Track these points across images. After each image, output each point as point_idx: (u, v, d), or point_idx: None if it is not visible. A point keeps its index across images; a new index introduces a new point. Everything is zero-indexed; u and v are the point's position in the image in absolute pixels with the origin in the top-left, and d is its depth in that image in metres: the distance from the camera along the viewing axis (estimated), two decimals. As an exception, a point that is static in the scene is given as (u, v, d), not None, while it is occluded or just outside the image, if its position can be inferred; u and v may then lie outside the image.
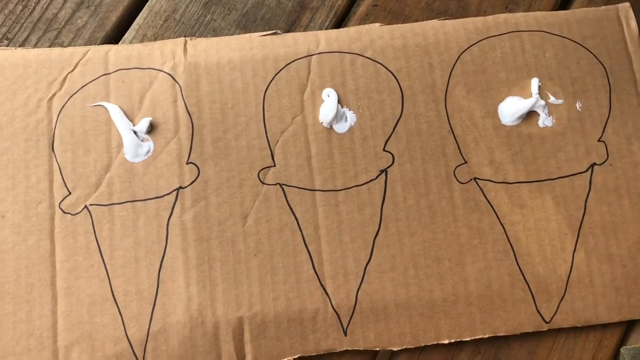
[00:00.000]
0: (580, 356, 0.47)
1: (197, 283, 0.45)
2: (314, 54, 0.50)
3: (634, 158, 0.49)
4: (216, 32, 0.52)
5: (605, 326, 0.47)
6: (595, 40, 0.52)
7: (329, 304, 0.46)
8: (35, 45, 0.51)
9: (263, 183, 0.47)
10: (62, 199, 0.46)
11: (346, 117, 0.49)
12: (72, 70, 0.49)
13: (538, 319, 0.46)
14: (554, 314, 0.46)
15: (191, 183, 0.47)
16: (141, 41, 0.52)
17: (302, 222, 0.47)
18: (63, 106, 0.48)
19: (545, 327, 0.46)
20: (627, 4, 0.53)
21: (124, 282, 0.45)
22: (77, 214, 0.46)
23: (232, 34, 0.52)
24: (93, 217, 0.46)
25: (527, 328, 0.46)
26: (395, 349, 0.45)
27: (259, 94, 0.49)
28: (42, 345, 0.44)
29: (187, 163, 0.47)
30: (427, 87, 0.50)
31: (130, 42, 0.52)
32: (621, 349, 0.47)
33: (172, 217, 0.46)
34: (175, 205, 0.46)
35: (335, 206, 0.47)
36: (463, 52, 0.51)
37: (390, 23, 0.52)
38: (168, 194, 0.47)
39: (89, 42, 0.51)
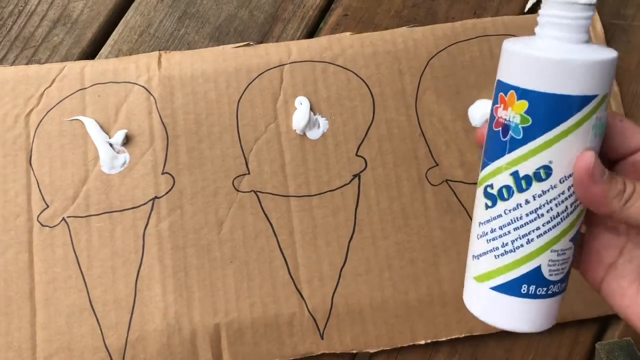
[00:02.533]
0: (557, 353, 0.47)
1: (173, 291, 0.46)
2: (286, 64, 0.51)
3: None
4: (190, 46, 0.53)
5: (580, 322, 0.48)
6: (562, 42, 0.53)
7: (305, 308, 0.46)
8: (12, 63, 0.52)
9: (238, 191, 0.48)
10: (40, 212, 0.47)
11: (319, 124, 0.50)
12: (49, 86, 0.50)
13: (513, 317, 0.47)
14: (529, 312, 0.47)
15: (167, 193, 0.48)
16: (117, 56, 0.53)
17: (277, 228, 0.48)
18: (40, 121, 0.49)
19: (520, 325, 0.47)
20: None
21: (102, 292, 0.46)
22: (55, 226, 0.47)
23: (205, 47, 0.53)
24: (71, 229, 0.47)
25: (502, 326, 0.47)
26: (371, 351, 0.46)
27: (233, 104, 0.50)
28: (21, 357, 0.44)
29: (163, 173, 0.48)
30: (397, 93, 0.51)
31: (106, 57, 0.53)
32: (596, 345, 0.47)
33: (148, 227, 0.47)
34: (152, 215, 0.47)
35: (310, 211, 0.48)
36: (432, 57, 0.52)
37: (360, 32, 0.53)
38: (144, 204, 0.47)
39: (66, 59, 0.52)
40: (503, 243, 0.31)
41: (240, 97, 0.50)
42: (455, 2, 0.55)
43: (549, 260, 0.30)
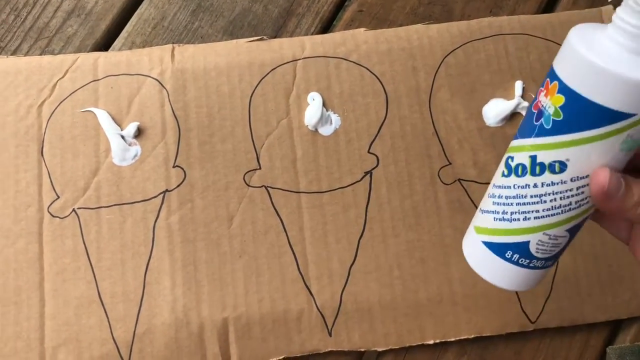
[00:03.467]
0: (567, 356, 0.47)
1: (182, 284, 0.46)
2: (299, 59, 0.51)
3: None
4: (204, 39, 0.53)
5: (591, 326, 0.47)
6: (579, 42, 0.52)
7: (314, 305, 0.46)
8: (26, 53, 0.52)
9: (248, 185, 0.48)
10: (50, 202, 0.47)
11: (331, 120, 0.49)
12: (62, 77, 0.50)
13: (523, 319, 0.46)
14: (540, 314, 0.46)
15: (177, 186, 0.48)
16: (130, 48, 0.53)
17: (287, 223, 0.47)
18: (53, 112, 0.49)
19: (530, 327, 0.46)
20: (610, 6, 0.53)
21: (111, 285, 0.46)
22: (65, 217, 0.47)
23: (219, 41, 0.53)
24: (81, 221, 0.47)
25: (512, 328, 0.46)
26: (379, 349, 0.46)
27: (245, 98, 0.50)
28: (30, 347, 0.44)
29: (174, 166, 0.48)
30: (411, 90, 0.50)
31: (120, 50, 0.53)
32: (607, 349, 0.46)
33: (158, 220, 0.47)
34: (162, 208, 0.47)
35: (320, 208, 0.48)
36: (447, 55, 0.51)
37: (375, 28, 0.53)
38: (155, 197, 0.47)
39: (79, 50, 0.52)
40: (503, 210, 0.32)
41: (253, 92, 0.50)
42: (471, 0, 0.55)
43: (539, 240, 0.32)
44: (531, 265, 0.33)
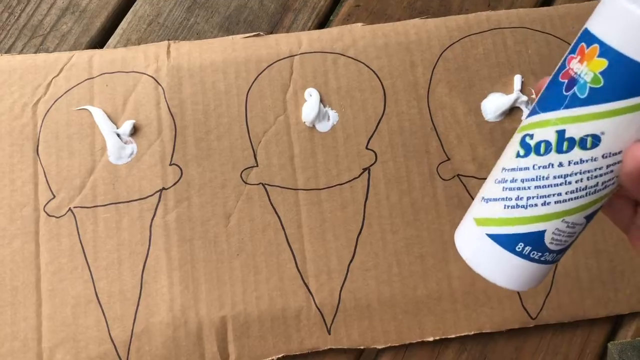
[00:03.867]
0: (568, 352, 0.46)
1: (180, 283, 0.45)
2: (296, 55, 0.50)
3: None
4: (199, 35, 0.53)
5: (592, 321, 0.47)
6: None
7: (313, 303, 0.46)
8: (21, 52, 0.52)
9: (246, 183, 0.47)
10: (46, 202, 0.47)
11: (329, 116, 0.49)
12: (57, 75, 0.49)
13: (524, 315, 0.46)
14: (540, 310, 0.46)
15: (174, 184, 0.47)
16: (125, 45, 0.52)
17: (285, 221, 0.47)
18: (48, 110, 0.48)
19: (531, 323, 0.46)
20: (610, -1, 0.53)
21: (108, 284, 0.45)
22: (61, 216, 0.46)
23: (215, 37, 0.52)
24: (77, 220, 0.46)
25: (512, 324, 0.46)
26: (379, 347, 0.45)
27: (242, 95, 0.49)
28: (27, 347, 0.44)
29: (170, 164, 0.48)
30: (409, 85, 0.50)
31: (115, 47, 0.52)
32: (609, 344, 0.46)
33: (155, 218, 0.46)
34: (159, 206, 0.47)
35: (318, 205, 0.47)
36: (445, 49, 0.51)
37: (372, 23, 0.52)
38: (151, 195, 0.47)
39: (74, 48, 0.52)
40: (518, 196, 0.29)
41: (250, 88, 0.49)
42: (469, -6, 0.54)
43: (556, 229, 0.29)
44: (542, 259, 0.30)
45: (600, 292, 0.47)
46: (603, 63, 0.26)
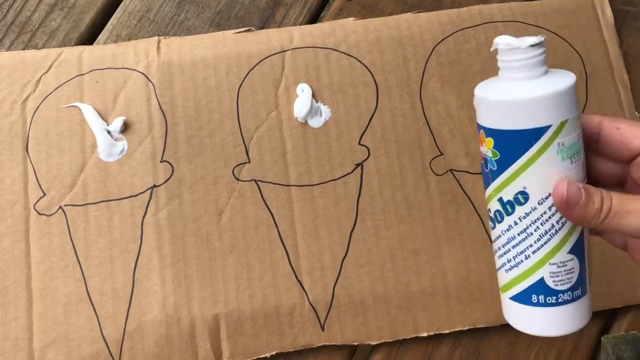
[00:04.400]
0: (562, 346, 0.46)
1: (172, 281, 0.45)
2: (287, 50, 0.50)
3: (611, 146, 0.49)
4: (190, 31, 0.52)
5: (586, 315, 0.47)
6: (571, 29, 0.52)
7: (306, 299, 0.45)
8: (9, 48, 0.51)
9: (238, 179, 0.47)
10: (36, 200, 0.46)
11: (321, 112, 0.49)
12: (46, 72, 0.49)
13: (518, 310, 0.46)
14: (534, 305, 0.46)
15: (165, 181, 0.47)
16: (115, 41, 0.52)
17: (277, 217, 0.47)
18: (37, 108, 0.48)
19: (525, 318, 0.46)
20: (602, -8, 0.53)
21: (100, 282, 0.45)
22: (52, 214, 0.46)
23: (206, 32, 0.52)
24: (68, 218, 0.46)
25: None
26: (373, 343, 0.45)
27: (233, 91, 0.49)
28: (18, 347, 0.44)
29: (161, 161, 0.47)
30: (401, 80, 0.50)
31: (105, 43, 0.52)
32: (602, 338, 0.46)
33: (146, 216, 0.46)
34: (150, 203, 0.46)
35: (311, 201, 0.47)
36: (437, 44, 0.51)
37: (364, 17, 0.52)
38: (142, 192, 0.47)
39: (63, 44, 0.51)
40: (508, 259, 0.34)
41: (241, 84, 0.49)
42: (462, -12, 0.54)
43: (550, 272, 0.33)
44: (560, 300, 0.34)
45: (593, 287, 0.46)
46: (491, 141, 0.33)
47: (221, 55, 0.50)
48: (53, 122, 0.48)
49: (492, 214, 0.34)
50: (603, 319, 0.47)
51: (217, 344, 0.44)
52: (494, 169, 0.33)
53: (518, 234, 0.33)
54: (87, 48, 0.50)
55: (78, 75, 0.49)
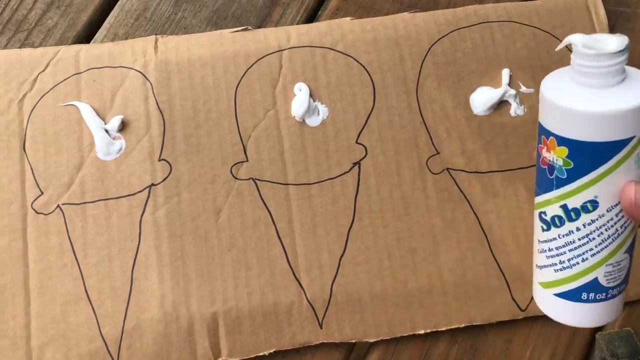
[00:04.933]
0: (557, 343, 0.47)
1: (170, 279, 0.45)
2: (285, 49, 0.50)
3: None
4: (187, 30, 0.52)
5: (580, 313, 0.47)
6: (565, 29, 0.52)
7: (304, 297, 0.46)
8: (5, 47, 0.51)
9: (236, 178, 0.47)
10: (34, 199, 0.46)
11: (318, 111, 0.49)
12: (43, 71, 0.49)
13: (514, 307, 0.46)
14: (530, 302, 0.46)
15: (163, 180, 0.47)
16: (112, 40, 0.52)
17: (275, 216, 0.47)
18: (34, 106, 0.48)
19: (520, 315, 0.46)
20: (596, -7, 0.53)
21: (98, 281, 0.45)
22: (49, 213, 0.46)
23: (203, 31, 0.52)
24: (66, 217, 0.46)
25: (502, 317, 0.46)
26: (370, 340, 0.45)
27: (231, 89, 0.49)
28: (16, 346, 0.44)
29: (159, 160, 0.47)
30: (398, 80, 0.50)
31: (102, 42, 0.52)
32: (596, 335, 0.47)
33: (144, 215, 0.46)
34: (148, 202, 0.46)
35: (309, 199, 0.47)
36: (434, 44, 0.51)
37: (361, 17, 0.52)
38: (140, 191, 0.47)
39: (60, 42, 0.51)
40: (560, 260, 0.34)
41: (239, 83, 0.49)
42: (457, -12, 0.54)
43: (605, 272, 0.33)
44: (609, 296, 0.34)
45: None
46: (564, 150, 0.31)
47: (218, 54, 0.50)
48: (50, 121, 0.48)
49: (547, 217, 0.34)
50: (597, 316, 0.48)
51: (216, 341, 0.45)
52: (563, 177, 0.32)
53: (579, 239, 0.33)
54: (84, 46, 0.50)
55: (75, 74, 0.49)
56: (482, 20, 0.52)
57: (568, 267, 0.34)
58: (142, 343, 0.44)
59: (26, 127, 0.47)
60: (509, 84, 0.50)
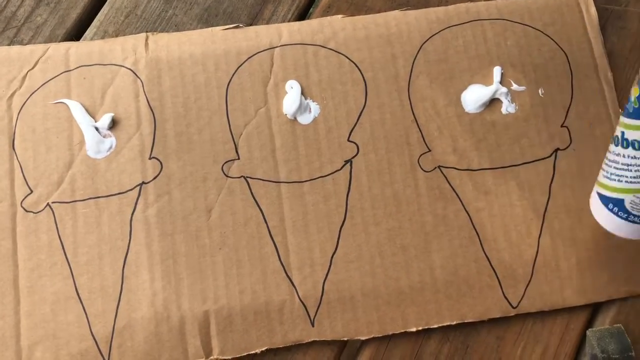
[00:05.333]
0: (548, 340, 0.47)
1: (161, 278, 0.45)
2: (276, 47, 0.50)
3: (596, 142, 0.50)
4: (178, 27, 0.52)
5: (571, 309, 0.47)
6: (556, 27, 0.52)
7: (296, 295, 0.46)
8: (-6, 44, 0.50)
9: (227, 176, 0.47)
10: (23, 197, 0.46)
11: (310, 109, 0.49)
12: (32, 68, 0.48)
13: (505, 304, 0.46)
14: (521, 299, 0.47)
15: (154, 178, 0.47)
16: (102, 38, 0.51)
17: (267, 214, 0.47)
18: (23, 104, 0.48)
19: (512, 312, 0.46)
20: (587, -9, 0.53)
21: (88, 280, 0.45)
22: (39, 212, 0.46)
23: (194, 29, 0.52)
24: (55, 215, 0.46)
25: (494, 314, 0.46)
26: (363, 338, 0.45)
27: (222, 87, 0.49)
28: (5, 345, 0.43)
29: (150, 158, 0.47)
30: (390, 77, 0.50)
31: (92, 39, 0.51)
32: (587, 332, 0.47)
33: (135, 213, 0.46)
34: (139, 200, 0.46)
35: (301, 197, 0.47)
36: (425, 41, 0.51)
37: (352, 14, 0.52)
38: (131, 189, 0.46)
39: (50, 40, 0.51)
40: (607, 170, 0.42)
41: (230, 81, 0.49)
42: (449, -14, 0.54)
43: (631, 200, 0.40)
44: (629, 219, 0.41)
45: (579, 281, 0.47)
46: (637, 90, 0.38)
47: (210, 51, 0.49)
48: (40, 119, 0.47)
49: (617, 133, 0.41)
50: (588, 313, 0.48)
51: (207, 340, 0.44)
52: (630, 111, 0.39)
53: (622, 164, 0.40)
54: (74, 44, 0.50)
55: (65, 72, 0.48)
56: (474, 18, 0.52)
57: (609, 178, 0.41)
58: (133, 342, 0.44)
59: (15, 125, 0.47)
60: (501, 82, 0.50)
